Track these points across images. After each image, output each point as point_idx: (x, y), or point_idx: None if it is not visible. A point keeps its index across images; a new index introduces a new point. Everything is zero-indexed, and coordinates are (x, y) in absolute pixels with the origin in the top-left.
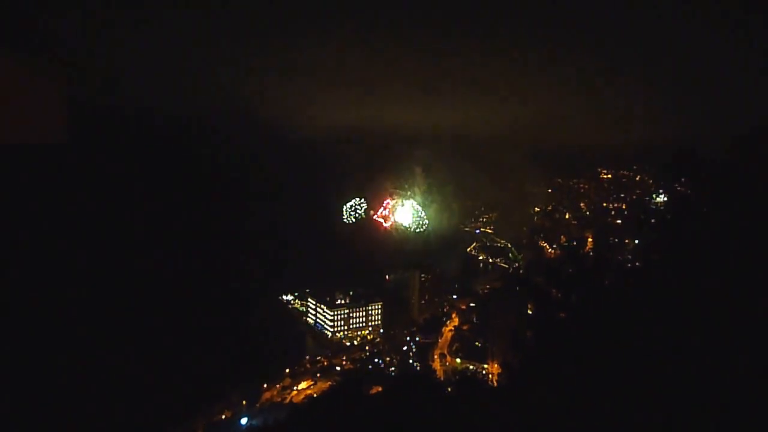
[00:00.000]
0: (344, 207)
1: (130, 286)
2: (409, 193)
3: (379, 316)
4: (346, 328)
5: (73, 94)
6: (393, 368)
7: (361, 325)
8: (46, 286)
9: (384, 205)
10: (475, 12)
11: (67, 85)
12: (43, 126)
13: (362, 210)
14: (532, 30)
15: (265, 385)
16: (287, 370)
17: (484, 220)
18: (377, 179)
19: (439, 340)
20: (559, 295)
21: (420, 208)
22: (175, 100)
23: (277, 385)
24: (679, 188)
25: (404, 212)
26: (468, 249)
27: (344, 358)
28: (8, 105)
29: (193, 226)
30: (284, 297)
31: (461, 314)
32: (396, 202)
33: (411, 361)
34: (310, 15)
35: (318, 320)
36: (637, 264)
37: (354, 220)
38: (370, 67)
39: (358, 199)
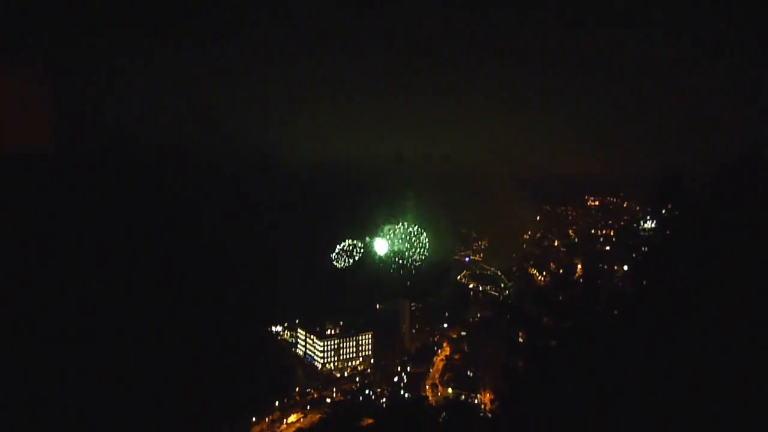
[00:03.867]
0: (336, 249)
1: (117, 317)
2: (399, 222)
3: (370, 347)
4: (336, 359)
5: (64, 107)
6: (384, 399)
7: (351, 355)
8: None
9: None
10: (466, 42)
11: (54, 98)
12: (29, 135)
13: (357, 253)
14: (520, 62)
15: (254, 419)
16: (277, 403)
17: (474, 248)
18: (368, 208)
19: (431, 370)
20: (550, 322)
21: (410, 237)
22: (162, 130)
23: (267, 419)
24: (666, 214)
25: (397, 241)
26: (458, 277)
27: (335, 389)
28: None
29: (180, 257)
30: (273, 328)
31: (452, 343)
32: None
33: (402, 391)
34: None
35: (308, 351)
36: (627, 290)
37: (347, 263)
38: (359, 94)
39: (351, 240)
